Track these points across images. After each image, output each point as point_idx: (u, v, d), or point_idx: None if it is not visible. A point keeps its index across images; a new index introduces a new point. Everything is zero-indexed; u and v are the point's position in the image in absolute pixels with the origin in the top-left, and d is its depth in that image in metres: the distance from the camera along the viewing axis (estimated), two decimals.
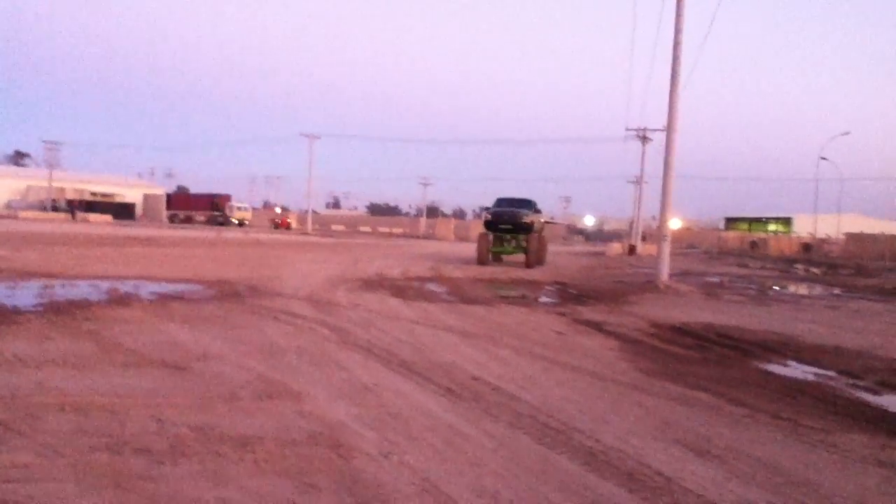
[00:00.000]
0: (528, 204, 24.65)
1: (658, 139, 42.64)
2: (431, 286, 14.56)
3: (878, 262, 45.35)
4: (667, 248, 17.98)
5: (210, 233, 41.87)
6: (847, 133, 79.45)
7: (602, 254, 41.07)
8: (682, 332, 9.35)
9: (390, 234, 69.33)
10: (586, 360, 6.93)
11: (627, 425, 4.59)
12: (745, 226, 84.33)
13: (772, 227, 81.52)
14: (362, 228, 76.69)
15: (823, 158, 62.28)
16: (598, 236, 76.70)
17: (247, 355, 6.12)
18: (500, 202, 24.99)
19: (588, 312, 10.95)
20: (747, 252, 57.72)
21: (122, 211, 72.64)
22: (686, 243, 66.79)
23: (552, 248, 29.68)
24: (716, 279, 21.41)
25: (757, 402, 5.46)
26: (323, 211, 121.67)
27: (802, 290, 19.30)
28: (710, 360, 7.42)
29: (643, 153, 45.87)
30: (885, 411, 5.51)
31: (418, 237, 66.42)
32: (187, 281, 12.65)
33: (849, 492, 3.66)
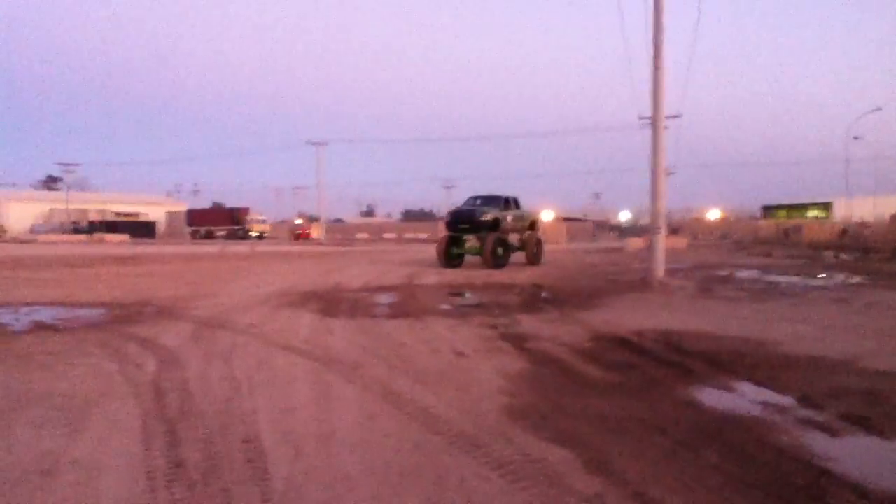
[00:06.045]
0: (496, 200, 21.79)
1: (674, 125, 40.32)
2: (382, 297, 12.99)
3: None
4: (661, 242, 16.17)
5: (215, 247, 40.94)
6: (878, 109, 74.29)
7: (620, 250, 38.91)
8: (624, 344, 7.59)
9: (414, 240, 67.77)
10: (456, 395, 5.28)
11: None
12: (783, 213, 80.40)
13: (811, 212, 77.56)
14: (386, 235, 75.17)
15: (856, 138, 58.77)
16: (633, 231, 73.77)
17: None
18: (469, 200, 22.37)
19: (529, 322, 9.25)
20: (781, 240, 54.73)
21: (143, 229, 72.42)
22: (720, 233, 63.83)
23: (568, 247, 27.98)
24: (725, 272, 19.36)
25: (629, 465, 3.75)
26: (356, 219, 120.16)
27: (818, 280, 17.16)
28: (628, 386, 5.70)
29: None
30: (811, 476, 3.76)
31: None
32: (96, 305, 11.40)
33: None
